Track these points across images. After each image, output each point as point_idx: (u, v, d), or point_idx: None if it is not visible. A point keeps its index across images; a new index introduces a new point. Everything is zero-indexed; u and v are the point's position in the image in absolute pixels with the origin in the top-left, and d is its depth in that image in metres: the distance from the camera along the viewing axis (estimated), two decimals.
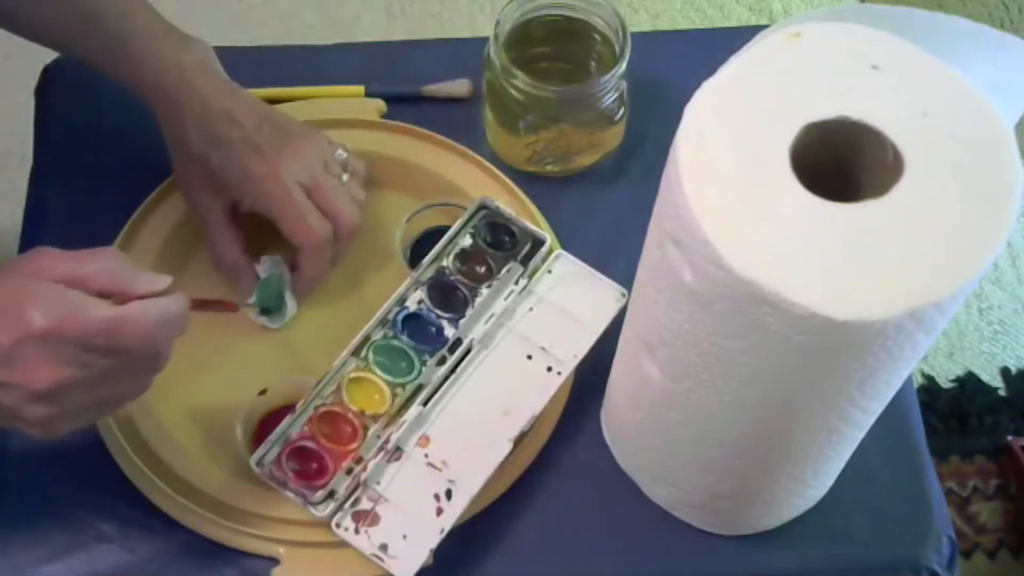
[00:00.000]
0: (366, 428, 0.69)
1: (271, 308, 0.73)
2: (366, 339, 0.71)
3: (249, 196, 0.70)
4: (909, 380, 0.70)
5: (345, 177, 0.73)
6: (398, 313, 0.72)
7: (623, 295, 0.72)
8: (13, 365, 0.54)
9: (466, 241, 0.74)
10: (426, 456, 0.68)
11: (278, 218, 0.70)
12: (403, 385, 0.70)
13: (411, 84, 0.83)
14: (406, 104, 0.82)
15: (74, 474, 0.70)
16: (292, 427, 0.68)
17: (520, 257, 0.74)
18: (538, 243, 0.74)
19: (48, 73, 0.84)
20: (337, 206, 0.71)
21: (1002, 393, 1.39)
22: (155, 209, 0.76)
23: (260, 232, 0.73)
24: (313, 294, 0.75)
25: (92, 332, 0.54)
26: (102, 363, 0.55)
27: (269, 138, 0.70)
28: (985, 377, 1.40)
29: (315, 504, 0.66)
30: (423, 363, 0.71)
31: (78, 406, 0.57)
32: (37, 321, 0.53)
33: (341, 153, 0.74)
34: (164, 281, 0.58)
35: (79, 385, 0.55)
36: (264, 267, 0.73)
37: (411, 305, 0.72)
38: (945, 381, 1.39)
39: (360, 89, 0.82)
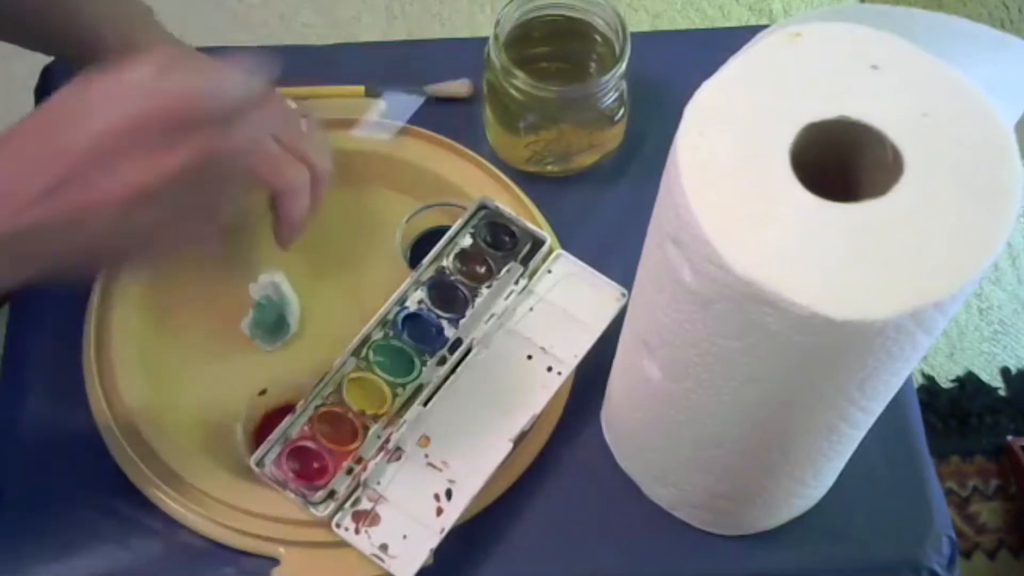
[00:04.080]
0: (366, 428, 0.69)
1: (270, 330, 0.73)
2: (366, 339, 0.71)
3: None
4: (909, 380, 0.70)
5: (303, 123, 0.71)
6: (398, 313, 0.72)
7: (623, 295, 0.72)
8: (89, 181, 0.49)
9: (466, 241, 0.74)
10: (426, 456, 0.68)
11: (255, 166, 0.69)
12: (403, 385, 0.70)
13: (411, 84, 0.83)
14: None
15: (74, 474, 0.70)
16: (292, 427, 0.68)
17: (520, 257, 0.74)
18: (538, 243, 0.74)
19: (48, 73, 0.84)
20: (308, 152, 0.69)
21: (1002, 393, 1.39)
22: None
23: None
24: (312, 293, 0.75)
25: (166, 108, 0.50)
26: (195, 142, 0.51)
27: None
28: (985, 377, 1.40)
29: (315, 504, 0.66)
30: (423, 363, 0.71)
31: (172, 208, 0.52)
32: (98, 124, 0.49)
33: (290, 103, 0.72)
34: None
35: (167, 182, 0.50)
36: (261, 287, 0.73)
37: (411, 305, 0.72)
38: (945, 381, 1.39)
39: (360, 89, 0.82)
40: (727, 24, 1.63)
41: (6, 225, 0.49)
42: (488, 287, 0.73)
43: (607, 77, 0.74)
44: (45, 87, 0.84)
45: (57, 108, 0.51)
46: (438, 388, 0.70)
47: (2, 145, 0.51)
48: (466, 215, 0.74)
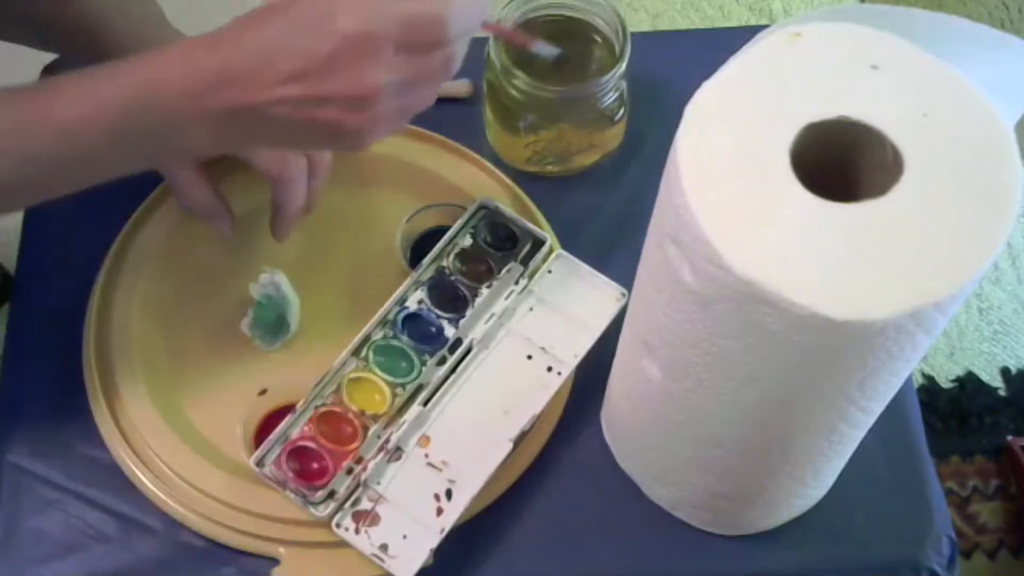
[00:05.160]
0: (366, 428, 0.69)
1: (270, 330, 0.73)
2: (366, 339, 0.71)
3: None
4: (909, 380, 0.70)
5: None
6: (398, 313, 0.72)
7: (623, 295, 0.72)
8: (334, 74, 0.54)
9: (466, 241, 0.74)
10: (426, 456, 0.68)
11: (252, 155, 0.70)
12: (403, 385, 0.70)
13: None
14: None
15: (74, 474, 0.70)
16: (292, 427, 0.68)
17: (520, 257, 0.74)
18: (538, 243, 0.74)
19: (48, 73, 0.84)
20: None
21: (1002, 393, 1.39)
22: (156, 209, 0.76)
23: (258, 236, 0.73)
24: (312, 293, 0.75)
25: (400, 30, 0.55)
26: (410, 65, 0.56)
27: None
28: (985, 377, 1.40)
29: (315, 504, 0.66)
30: (423, 363, 0.71)
31: (386, 113, 0.57)
32: (350, 27, 0.54)
33: None
34: None
35: (391, 89, 0.56)
36: (262, 285, 0.73)
37: (411, 305, 0.72)
38: (945, 381, 1.39)
39: None
40: (727, 24, 1.63)
41: (253, 96, 0.55)
42: (488, 287, 0.73)
43: (607, 77, 0.74)
44: None
45: (303, 5, 0.55)
46: (438, 388, 0.70)
47: (249, 27, 0.55)
48: (466, 215, 0.74)
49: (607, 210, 0.79)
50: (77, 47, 0.71)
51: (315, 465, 0.67)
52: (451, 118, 0.81)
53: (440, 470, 0.68)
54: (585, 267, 0.74)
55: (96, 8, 0.70)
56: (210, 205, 0.73)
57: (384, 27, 0.54)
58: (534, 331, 0.72)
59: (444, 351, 0.71)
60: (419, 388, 0.70)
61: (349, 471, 0.67)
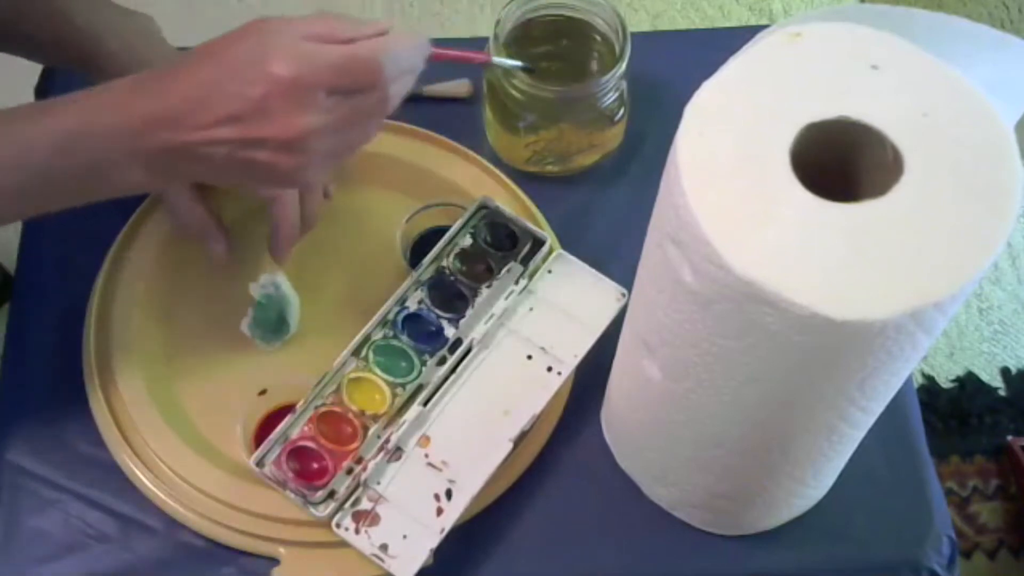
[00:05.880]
0: (366, 428, 0.69)
1: (270, 330, 0.73)
2: (366, 339, 0.71)
3: None
4: (909, 380, 0.70)
5: None
6: (398, 313, 0.72)
7: (623, 295, 0.72)
8: (266, 117, 0.56)
9: (466, 241, 0.74)
10: (426, 456, 0.68)
11: (242, 176, 0.70)
12: (403, 385, 0.70)
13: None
14: (406, 104, 0.81)
15: (74, 474, 0.70)
16: (292, 427, 0.68)
17: (520, 257, 0.74)
18: (538, 243, 0.74)
19: (48, 73, 0.84)
20: None
21: (1002, 393, 1.39)
22: (156, 209, 0.76)
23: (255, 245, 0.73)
24: (312, 293, 0.75)
25: (331, 75, 0.56)
26: (342, 107, 0.58)
27: None
28: (985, 377, 1.40)
29: (315, 504, 0.66)
30: (423, 363, 0.71)
31: (320, 153, 0.58)
32: (282, 71, 0.55)
33: None
34: (387, 23, 0.60)
35: (324, 131, 0.57)
36: (262, 285, 0.73)
37: (411, 305, 0.72)
38: (945, 381, 1.39)
39: None
40: (727, 24, 1.63)
41: (188, 137, 0.56)
42: (488, 287, 0.73)
43: (607, 77, 0.74)
44: (45, 87, 0.84)
45: (236, 50, 0.57)
46: (438, 388, 0.70)
47: (186, 69, 0.57)
48: (466, 215, 0.74)
49: (607, 210, 0.79)
50: (71, 63, 0.71)
51: (315, 465, 0.67)
52: (451, 118, 0.81)
53: (440, 470, 0.68)
54: (585, 267, 0.74)
55: (90, 28, 0.70)
56: (203, 226, 0.73)
57: (316, 72, 0.56)
58: (534, 331, 0.72)
59: (444, 351, 0.71)
60: (419, 388, 0.70)
61: (349, 471, 0.67)
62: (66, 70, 0.83)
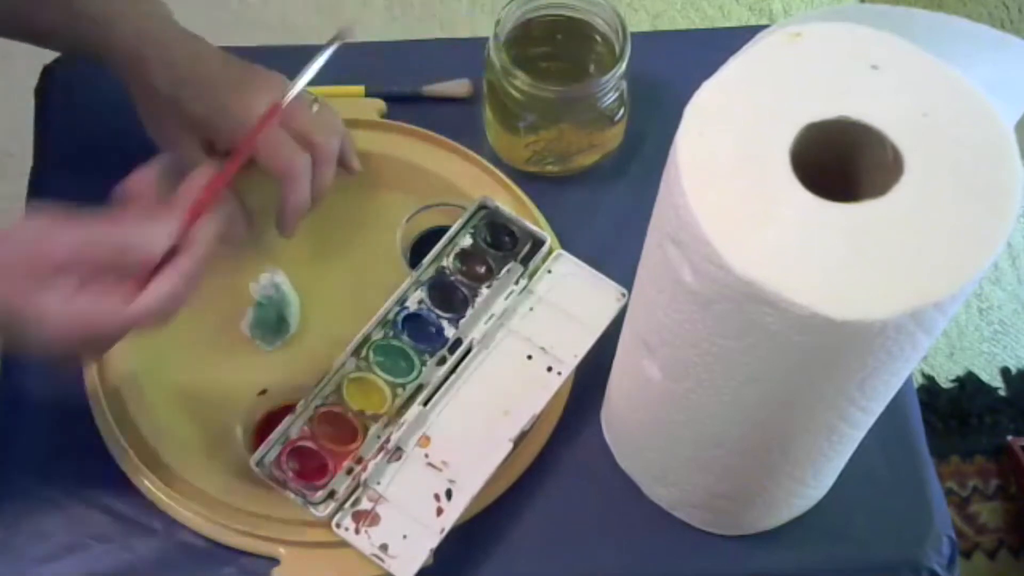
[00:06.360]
0: (366, 428, 0.69)
1: (270, 330, 0.73)
2: (366, 339, 0.71)
3: (223, 130, 0.69)
4: (909, 380, 0.70)
5: (315, 107, 0.72)
6: (398, 313, 0.72)
7: (623, 295, 0.72)
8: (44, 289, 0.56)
9: (466, 241, 0.74)
10: (426, 456, 0.68)
11: (257, 154, 0.69)
12: (403, 385, 0.70)
13: (411, 84, 0.83)
14: (406, 104, 0.82)
15: (74, 474, 0.70)
16: (292, 427, 0.68)
17: (520, 257, 0.74)
18: (538, 243, 0.74)
19: (48, 73, 0.84)
20: (312, 133, 0.70)
21: (1002, 393, 1.39)
22: None
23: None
24: (312, 293, 0.75)
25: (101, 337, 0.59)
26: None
27: (236, 74, 0.70)
28: (985, 377, 1.40)
29: (315, 504, 0.66)
30: (423, 363, 0.71)
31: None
32: (41, 336, 0.56)
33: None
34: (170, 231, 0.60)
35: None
36: (262, 285, 0.73)
37: (411, 305, 0.72)
38: (945, 381, 1.39)
39: (360, 89, 0.83)
40: (727, 24, 1.63)
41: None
42: (488, 287, 0.73)
43: (607, 77, 0.74)
44: (45, 87, 0.84)
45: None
46: (438, 388, 0.70)
47: None
48: (466, 215, 0.74)
49: (607, 210, 0.79)
50: (84, 50, 0.71)
51: (315, 465, 0.67)
52: (451, 118, 0.81)
53: (440, 470, 0.68)
54: (585, 267, 0.74)
55: (101, 12, 0.70)
56: (228, 207, 0.71)
57: (83, 333, 0.57)
58: (534, 331, 0.72)
59: (444, 351, 0.71)
60: (419, 388, 0.70)
61: (349, 471, 0.67)
62: (66, 70, 0.84)
